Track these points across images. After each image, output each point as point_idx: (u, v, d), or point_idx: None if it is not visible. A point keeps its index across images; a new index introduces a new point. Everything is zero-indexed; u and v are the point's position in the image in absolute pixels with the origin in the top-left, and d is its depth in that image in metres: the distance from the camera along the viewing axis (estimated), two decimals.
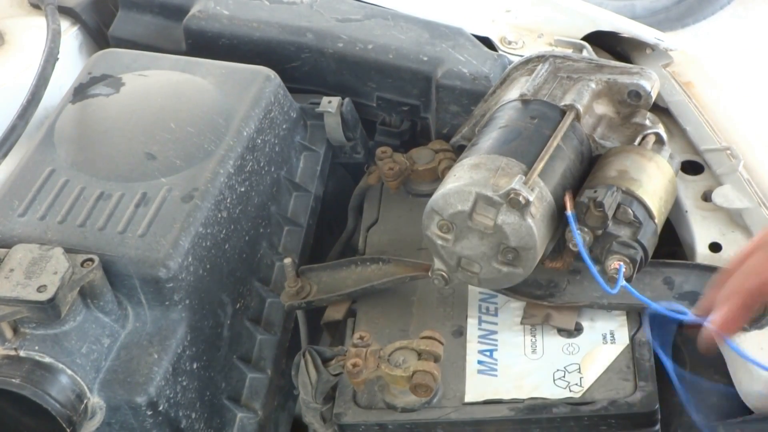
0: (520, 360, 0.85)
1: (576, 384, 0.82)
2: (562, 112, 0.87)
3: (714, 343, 0.72)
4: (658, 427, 0.80)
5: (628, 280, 0.80)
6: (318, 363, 0.84)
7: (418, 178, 1.02)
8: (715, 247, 0.91)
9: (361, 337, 0.83)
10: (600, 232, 0.81)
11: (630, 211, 0.81)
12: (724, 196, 0.93)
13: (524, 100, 0.89)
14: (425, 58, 1.10)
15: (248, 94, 1.00)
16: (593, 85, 0.91)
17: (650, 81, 0.91)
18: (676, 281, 0.88)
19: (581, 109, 0.88)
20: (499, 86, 0.98)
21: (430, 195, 0.83)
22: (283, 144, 1.04)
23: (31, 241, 0.81)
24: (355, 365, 0.80)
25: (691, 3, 2.71)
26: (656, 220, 0.83)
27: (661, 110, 1.01)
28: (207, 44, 1.15)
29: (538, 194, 0.79)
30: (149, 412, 0.80)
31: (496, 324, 0.88)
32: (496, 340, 0.87)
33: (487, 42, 1.16)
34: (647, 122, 0.91)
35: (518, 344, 0.86)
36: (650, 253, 0.82)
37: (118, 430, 0.81)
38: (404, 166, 1.01)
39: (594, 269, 0.78)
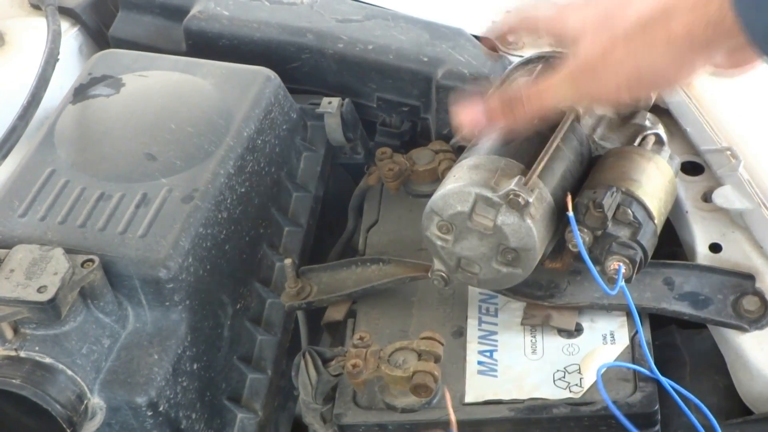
0: (520, 360, 0.85)
1: (576, 384, 0.82)
2: (562, 113, 0.87)
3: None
4: (658, 427, 0.80)
5: (628, 280, 0.80)
6: (318, 364, 0.84)
7: (418, 178, 1.02)
8: (715, 248, 0.91)
9: (361, 338, 0.83)
10: (600, 232, 0.81)
11: (629, 211, 0.81)
12: (725, 196, 0.93)
13: None
14: (425, 59, 1.10)
15: (248, 95, 1.00)
16: None
17: None
18: (676, 282, 0.88)
19: (581, 110, 0.88)
20: (499, 87, 0.98)
21: (430, 196, 0.83)
22: (284, 144, 1.04)
23: (31, 242, 0.81)
24: (355, 366, 0.80)
25: None
26: (656, 221, 0.83)
27: (661, 111, 1.01)
28: (207, 45, 1.15)
29: (537, 195, 0.79)
30: (149, 413, 0.80)
31: (496, 325, 0.88)
32: (496, 341, 0.87)
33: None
34: (647, 123, 0.91)
35: (518, 345, 0.86)
36: (650, 253, 0.82)
37: (118, 431, 0.81)
38: (404, 167, 1.01)
39: (594, 270, 0.78)
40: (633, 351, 0.83)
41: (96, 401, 0.79)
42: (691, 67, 0.71)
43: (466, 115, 0.79)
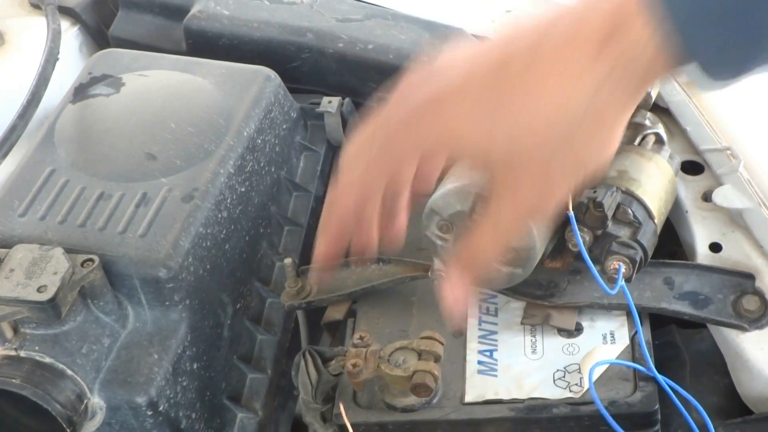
0: (520, 360, 0.85)
1: (576, 384, 0.82)
2: None
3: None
4: (658, 427, 0.80)
5: (628, 280, 0.80)
6: (318, 363, 0.84)
7: None
8: (715, 247, 0.91)
9: (361, 338, 0.83)
10: (600, 232, 0.81)
11: (629, 211, 0.81)
12: (725, 196, 0.93)
13: None
14: (426, 59, 1.10)
15: (248, 94, 1.00)
16: None
17: None
18: (676, 281, 0.88)
19: None
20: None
21: (430, 195, 0.83)
22: (284, 144, 1.04)
23: (31, 241, 0.81)
24: (355, 365, 0.80)
25: None
26: (656, 221, 0.83)
27: (661, 110, 1.01)
28: (207, 44, 1.15)
29: None
30: (149, 413, 0.80)
31: (496, 324, 0.88)
32: (496, 341, 0.87)
33: None
34: (647, 122, 0.91)
35: (518, 344, 0.86)
36: (650, 253, 0.82)
37: (118, 430, 0.81)
38: None
39: (594, 269, 0.78)
40: (633, 350, 0.83)
41: (96, 401, 0.79)
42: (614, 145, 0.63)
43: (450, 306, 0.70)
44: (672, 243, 0.96)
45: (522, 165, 0.61)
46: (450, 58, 0.65)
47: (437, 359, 0.80)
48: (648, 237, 0.82)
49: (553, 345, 0.86)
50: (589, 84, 0.57)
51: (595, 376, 0.80)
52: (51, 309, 0.75)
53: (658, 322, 0.90)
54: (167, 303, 0.83)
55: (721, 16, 0.54)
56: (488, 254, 0.68)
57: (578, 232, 0.79)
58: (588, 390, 0.80)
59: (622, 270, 0.80)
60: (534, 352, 0.85)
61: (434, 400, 0.81)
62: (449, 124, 0.62)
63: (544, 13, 0.61)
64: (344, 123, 1.09)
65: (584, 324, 0.87)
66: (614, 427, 0.75)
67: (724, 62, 0.57)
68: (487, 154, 0.62)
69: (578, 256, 0.80)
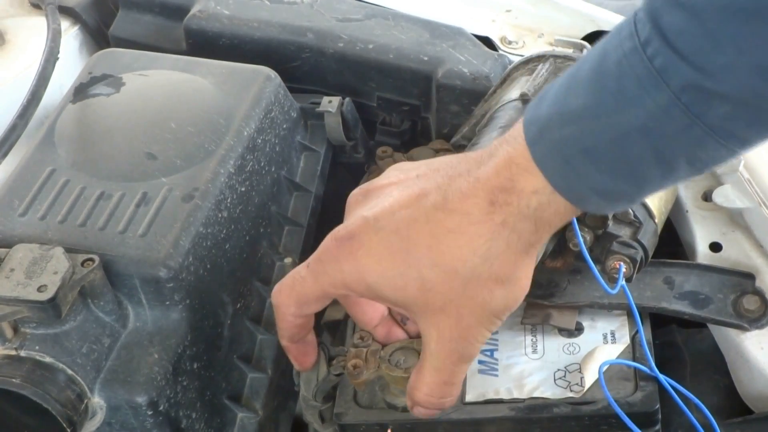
0: (520, 360, 0.85)
1: (577, 384, 0.82)
2: None
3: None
4: (658, 426, 0.80)
5: (629, 279, 0.80)
6: (325, 360, 0.84)
7: None
8: (715, 247, 0.91)
9: (362, 338, 0.83)
10: (600, 231, 0.81)
11: (630, 210, 0.81)
12: (725, 195, 0.93)
13: (525, 100, 0.89)
14: (426, 58, 1.10)
15: (249, 94, 1.00)
16: None
17: None
18: (676, 281, 0.88)
19: None
20: (500, 86, 0.98)
21: None
22: (284, 144, 1.04)
23: (31, 241, 0.81)
24: (355, 366, 0.80)
25: None
26: (656, 220, 0.83)
27: None
28: (207, 44, 1.15)
29: None
30: (150, 412, 0.80)
31: None
32: (496, 340, 0.87)
33: (487, 42, 1.16)
34: None
35: (519, 344, 0.86)
36: (650, 252, 0.82)
37: (118, 430, 0.81)
38: None
39: (594, 269, 0.78)
40: (633, 350, 0.83)
41: (96, 400, 0.79)
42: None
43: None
44: (672, 243, 0.96)
45: (437, 313, 0.64)
46: (387, 179, 0.68)
47: None
48: (648, 236, 0.82)
49: (553, 345, 0.86)
50: (486, 232, 0.60)
51: (596, 377, 0.80)
52: (51, 309, 0.75)
53: (659, 321, 0.90)
54: (167, 303, 0.83)
55: (597, 175, 0.57)
56: (444, 394, 0.71)
57: (579, 232, 0.79)
58: (589, 390, 0.80)
59: (623, 269, 0.79)
60: (534, 351, 0.85)
61: None
62: (362, 265, 0.65)
63: (464, 156, 0.64)
64: (344, 123, 1.09)
65: (585, 324, 0.87)
66: (629, 425, 0.75)
67: (613, 206, 0.61)
68: (403, 300, 0.65)
69: (579, 255, 0.80)
